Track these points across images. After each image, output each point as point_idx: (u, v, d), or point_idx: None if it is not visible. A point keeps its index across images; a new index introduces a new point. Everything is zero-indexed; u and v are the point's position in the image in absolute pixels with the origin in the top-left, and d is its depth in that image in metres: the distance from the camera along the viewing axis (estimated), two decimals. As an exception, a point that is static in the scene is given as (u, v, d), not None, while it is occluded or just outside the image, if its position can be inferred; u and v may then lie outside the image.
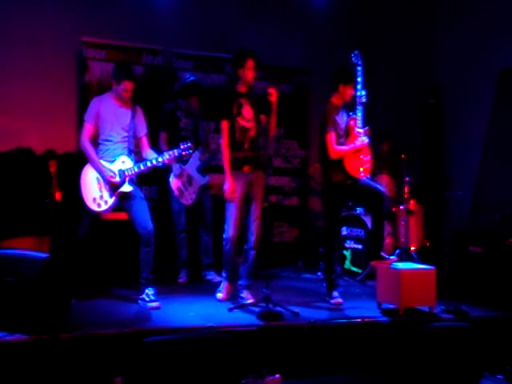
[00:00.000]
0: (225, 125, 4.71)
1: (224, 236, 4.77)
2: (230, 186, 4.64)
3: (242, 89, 4.80)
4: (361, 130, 4.82)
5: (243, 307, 4.56)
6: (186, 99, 5.80)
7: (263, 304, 4.38)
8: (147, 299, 4.54)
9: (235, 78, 4.85)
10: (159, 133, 5.75)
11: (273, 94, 4.58)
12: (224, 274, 4.92)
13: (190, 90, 5.78)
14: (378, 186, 5.02)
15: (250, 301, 4.66)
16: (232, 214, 4.71)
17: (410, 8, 7.65)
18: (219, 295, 4.89)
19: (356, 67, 4.85)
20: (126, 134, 4.70)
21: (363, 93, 4.81)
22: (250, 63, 4.71)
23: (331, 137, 4.79)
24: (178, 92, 5.88)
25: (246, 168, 4.71)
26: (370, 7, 7.54)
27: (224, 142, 4.72)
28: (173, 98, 5.96)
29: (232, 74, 4.90)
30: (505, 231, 5.33)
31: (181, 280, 5.73)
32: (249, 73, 4.73)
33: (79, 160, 4.74)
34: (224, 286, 4.91)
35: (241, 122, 4.71)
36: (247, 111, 4.75)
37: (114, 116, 4.68)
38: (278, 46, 7.19)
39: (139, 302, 4.60)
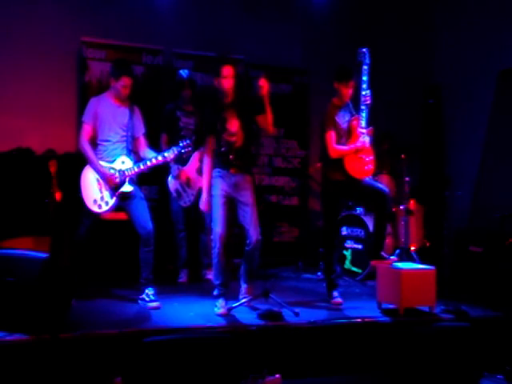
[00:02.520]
0: (210, 140, 4.63)
1: (212, 237, 4.57)
2: (206, 199, 4.56)
3: (225, 100, 4.55)
4: (364, 131, 4.80)
5: (242, 304, 4.54)
6: (182, 96, 5.78)
7: (262, 301, 4.37)
8: (147, 299, 4.54)
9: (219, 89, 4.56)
10: (160, 134, 5.75)
11: (263, 87, 4.32)
12: (217, 291, 4.51)
13: (180, 85, 5.76)
14: (382, 186, 5.00)
15: (244, 299, 4.62)
16: (216, 212, 4.50)
17: (410, 8, 7.65)
18: (219, 311, 4.43)
19: (362, 66, 4.82)
20: (124, 134, 4.70)
21: (368, 92, 4.79)
22: (227, 71, 4.45)
23: (331, 135, 4.78)
24: (173, 91, 5.87)
25: (232, 170, 4.54)
26: (369, 7, 7.54)
27: (207, 157, 4.64)
28: (171, 98, 5.95)
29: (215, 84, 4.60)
30: (505, 231, 5.32)
31: (181, 280, 5.73)
32: (225, 81, 4.47)
33: (79, 160, 4.74)
34: (221, 303, 4.45)
35: (226, 137, 4.52)
36: (232, 125, 4.52)
37: (112, 116, 4.68)
38: (277, 46, 7.19)
39: (139, 301, 4.60)
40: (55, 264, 3.83)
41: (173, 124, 5.74)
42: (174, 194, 5.68)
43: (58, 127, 6.16)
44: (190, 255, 5.83)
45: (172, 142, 5.49)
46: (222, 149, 4.54)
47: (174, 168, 5.63)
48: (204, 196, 4.60)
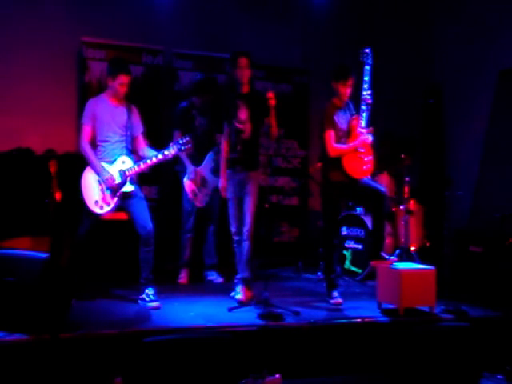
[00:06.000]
0: (226, 127, 4.90)
1: (232, 235, 4.95)
2: (224, 184, 4.94)
3: (240, 90, 4.86)
4: (363, 130, 4.80)
5: (242, 307, 4.56)
6: (202, 97, 5.74)
7: (262, 305, 4.38)
8: (147, 299, 4.54)
9: (235, 80, 4.91)
10: (173, 131, 5.69)
11: (272, 99, 4.60)
12: (236, 279, 4.92)
13: (205, 86, 5.73)
14: (379, 186, 5.01)
15: (239, 296, 4.72)
16: (231, 213, 4.91)
17: (409, 8, 7.65)
18: (239, 296, 4.82)
19: (364, 66, 4.82)
20: (123, 134, 4.69)
21: (369, 93, 4.78)
22: (242, 61, 4.78)
23: (330, 134, 4.78)
24: (193, 89, 5.83)
25: (238, 168, 4.84)
26: (369, 7, 7.54)
27: (224, 143, 4.95)
28: (187, 95, 5.90)
29: (231, 76, 4.98)
30: (505, 231, 5.32)
31: (181, 280, 5.72)
32: (242, 71, 4.79)
33: (79, 160, 4.74)
34: (241, 288, 4.86)
35: (235, 124, 4.80)
36: (242, 113, 4.82)
37: (110, 116, 4.67)
38: (278, 46, 7.19)
39: (139, 301, 4.60)
40: (55, 264, 3.83)
41: (188, 122, 5.70)
42: (191, 195, 5.65)
43: (58, 127, 6.16)
44: (192, 255, 5.81)
45: None
46: (232, 137, 4.84)
47: (191, 169, 5.60)
48: (221, 181, 4.97)
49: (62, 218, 4.36)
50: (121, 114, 4.72)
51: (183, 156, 5.50)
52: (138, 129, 4.80)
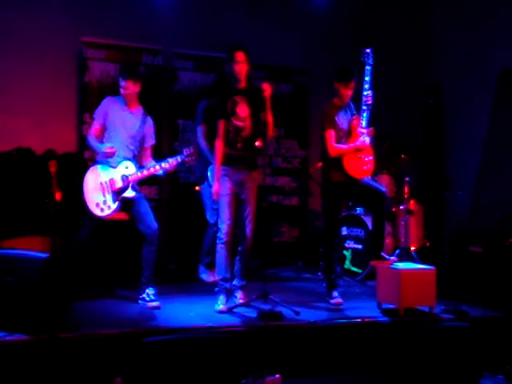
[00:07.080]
0: (221, 125, 4.64)
1: (218, 235, 4.64)
2: (217, 189, 4.59)
3: (238, 86, 4.66)
4: (364, 130, 4.80)
5: (239, 307, 4.55)
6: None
7: (262, 302, 4.38)
8: (147, 299, 4.54)
9: (231, 76, 4.69)
10: (196, 127, 5.66)
11: (266, 90, 4.46)
12: (218, 287, 4.65)
13: (220, 87, 5.68)
14: (379, 187, 5.01)
15: (241, 300, 4.64)
16: (223, 210, 4.59)
17: (410, 8, 7.65)
18: (219, 307, 4.51)
19: (365, 66, 4.82)
20: (130, 140, 4.64)
21: (369, 93, 4.79)
22: (239, 56, 4.57)
23: (330, 134, 4.78)
24: (210, 92, 5.80)
25: (238, 167, 4.60)
26: (369, 7, 7.55)
27: (219, 142, 4.65)
28: (206, 95, 5.87)
29: (227, 72, 4.74)
30: (505, 231, 5.32)
31: (206, 279, 5.64)
32: (238, 66, 4.58)
33: (79, 160, 4.74)
34: (222, 300, 4.58)
35: (234, 121, 4.59)
36: (242, 110, 4.61)
37: (121, 120, 4.63)
38: (277, 46, 7.19)
39: (139, 301, 4.60)
40: (55, 264, 3.82)
41: (211, 121, 5.65)
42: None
43: (58, 127, 6.16)
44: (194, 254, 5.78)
45: (211, 136, 5.41)
46: (230, 135, 4.59)
47: None
48: (214, 185, 4.63)
49: (62, 218, 4.35)
50: (133, 120, 4.66)
51: None
52: (149, 141, 4.74)
